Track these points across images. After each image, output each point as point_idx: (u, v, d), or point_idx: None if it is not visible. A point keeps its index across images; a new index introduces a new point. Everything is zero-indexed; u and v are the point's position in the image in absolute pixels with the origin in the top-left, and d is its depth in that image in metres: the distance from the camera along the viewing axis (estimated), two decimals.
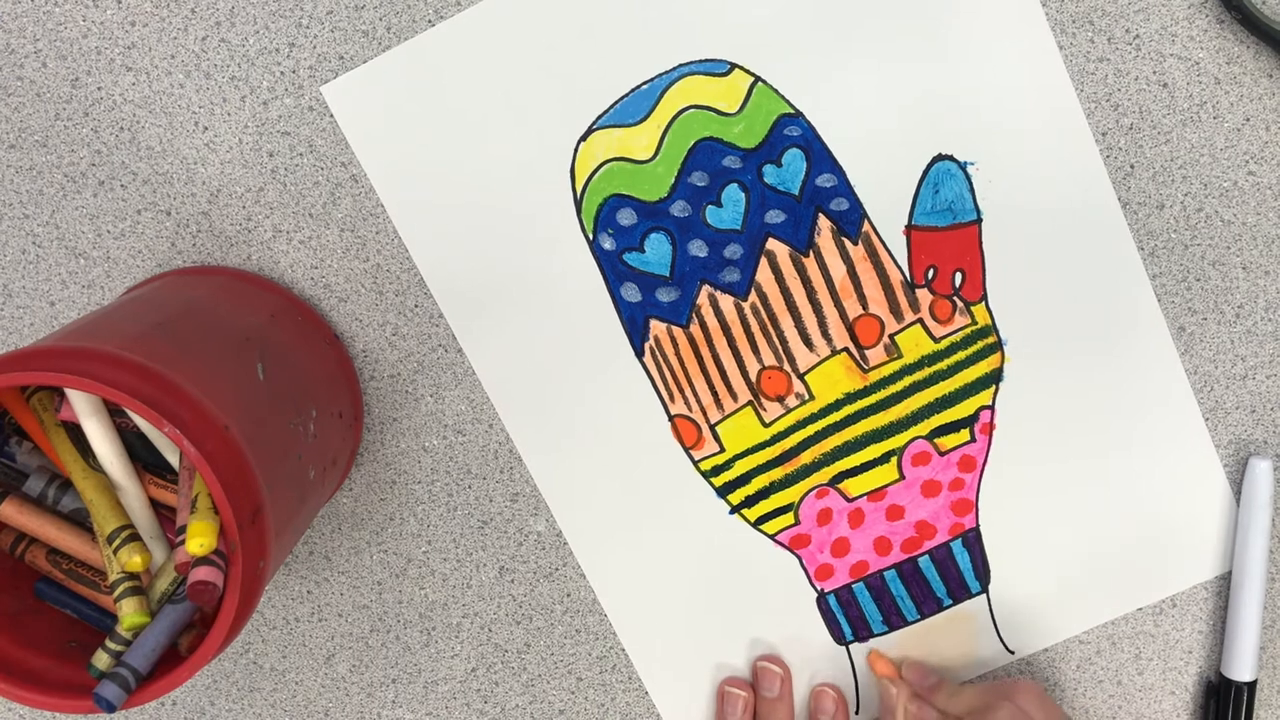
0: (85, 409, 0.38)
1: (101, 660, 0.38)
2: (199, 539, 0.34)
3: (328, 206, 0.46)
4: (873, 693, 0.50)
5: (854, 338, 0.46)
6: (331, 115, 0.44)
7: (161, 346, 0.37)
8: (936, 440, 0.47)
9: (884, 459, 0.48)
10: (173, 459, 0.39)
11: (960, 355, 0.46)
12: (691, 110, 0.44)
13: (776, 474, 0.48)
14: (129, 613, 0.36)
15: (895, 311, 0.46)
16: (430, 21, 0.43)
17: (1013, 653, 0.50)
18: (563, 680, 0.51)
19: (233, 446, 0.35)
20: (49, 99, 0.45)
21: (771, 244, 0.45)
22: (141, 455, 0.39)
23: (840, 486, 0.48)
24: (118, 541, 0.37)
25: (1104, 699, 0.51)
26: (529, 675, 0.51)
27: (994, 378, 0.47)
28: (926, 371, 0.47)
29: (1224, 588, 0.49)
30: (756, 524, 0.49)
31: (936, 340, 0.46)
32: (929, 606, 0.49)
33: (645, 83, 0.44)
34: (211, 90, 0.44)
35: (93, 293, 0.47)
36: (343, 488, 0.49)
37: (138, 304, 0.41)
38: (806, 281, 0.46)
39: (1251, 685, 0.48)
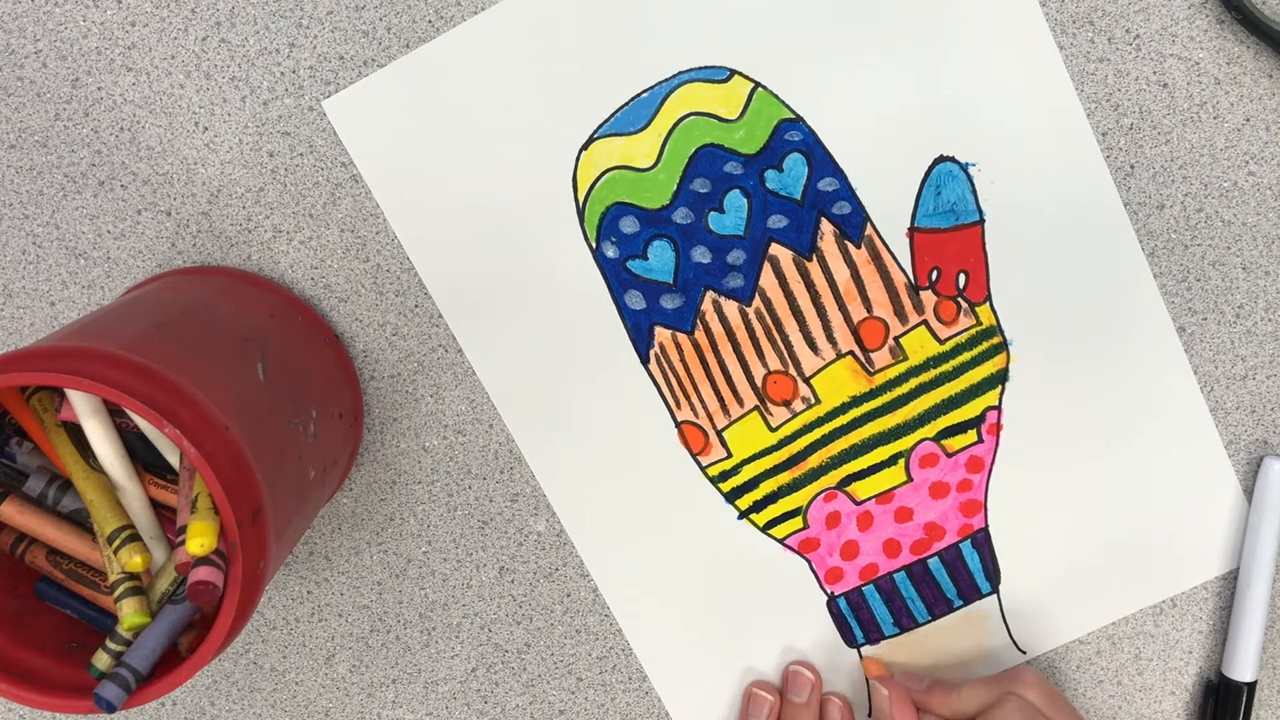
0: (85, 409, 0.37)
1: (101, 660, 0.38)
2: (199, 539, 0.34)
3: (328, 206, 0.46)
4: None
5: (859, 341, 0.46)
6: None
7: (161, 347, 0.37)
8: (944, 442, 0.47)
9: (891, 461, 0.48)
10: (173, 459, 0.39)
11: (966, 356, 0.46)
12: (692, 117, 0.44)
13: (784, 478, 0.48)
14: (129, 613, 0.36)
15: (900, 314, 0.46)
16: (430, 22, 0.43)
17: (1025, 652, 0.50)
18: (563, 680, 0.51)
19: (233, 446, 0.35)
20: (49, 99, 0.45)
21: (775, 249, 0.45)
22: (141, 455, 0.39)
23: (848, 489, 0.48)
24: (118, 542, 0.36)
25: (1104, 699, 0.51)
26: (529, 675, 0.51)
27: (1000, 378, 0.47)
28: (932, 373, 0.47)
29: (1224, 588, 0.49)
30: (765, 529, 0.49)
31: (941, 342, 0.46)
32: (940, 608, 0.49)
33: (645, 91, 0.44)
34: (211, 90, 0.44)
35: (93, 293, 0.47)
36: (343, 488, 0.49)
37: (138, 304, 0.41)
38: (810, 285, 0.46)
39: (1252, 685, 0.48)
